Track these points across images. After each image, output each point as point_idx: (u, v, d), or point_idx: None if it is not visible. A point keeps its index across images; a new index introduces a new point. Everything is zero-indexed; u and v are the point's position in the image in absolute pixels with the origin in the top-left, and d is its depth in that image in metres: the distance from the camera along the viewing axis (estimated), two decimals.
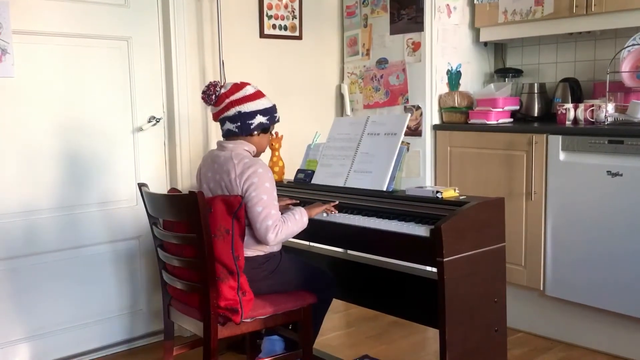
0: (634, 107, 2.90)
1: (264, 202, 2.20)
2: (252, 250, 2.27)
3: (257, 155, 2.39)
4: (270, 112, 2.38)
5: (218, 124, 2.41)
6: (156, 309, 3.22)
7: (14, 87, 2.75)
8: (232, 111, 2.31)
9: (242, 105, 2.31)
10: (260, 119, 2.33)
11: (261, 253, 2.29)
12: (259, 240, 2.25)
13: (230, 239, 2.12)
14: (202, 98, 2.34)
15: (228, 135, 2.36)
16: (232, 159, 2.26)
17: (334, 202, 2.48)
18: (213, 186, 2.31)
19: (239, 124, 2.31)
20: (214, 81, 2.35)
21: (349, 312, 3.53)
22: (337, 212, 2.43)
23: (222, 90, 2.32)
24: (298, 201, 2.56)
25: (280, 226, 2.21)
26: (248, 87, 2.35)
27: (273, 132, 2.83)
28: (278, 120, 2.43)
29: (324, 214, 2.42)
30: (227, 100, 2.31)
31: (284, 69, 3.66)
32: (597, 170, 2.82)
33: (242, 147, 2.32)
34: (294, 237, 2.35)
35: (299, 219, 2.29)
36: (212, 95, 2.31)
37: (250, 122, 2.32)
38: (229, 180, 2.24)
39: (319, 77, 3.84)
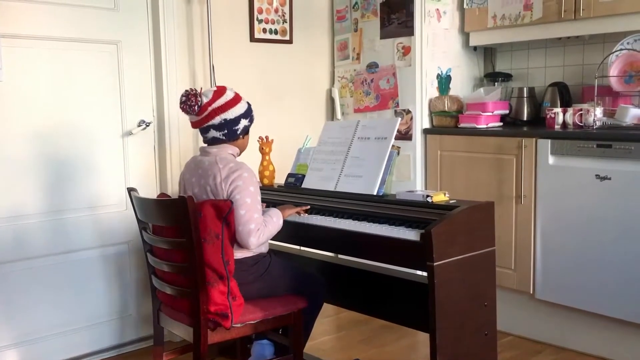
0: (622, 111, 2.92)
1: (248, 205, 2.20)
2: (240, 252, 2.26)
3: (239, 155, 2.41)
4: (250, 113, 2.40)
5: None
6: (146, 314, 3.20)
7: (1, 91, 2.73)
8: (217, 119, 2.30)
9: (226, 112, 2.30)
10: (244, 122, 2.36)
11: (250, 254, 2.29)
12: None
13: (220, 243, 2.12)
14: (182, 108, 2.27)
15: (214, 142, 2.35)
16: (217, 164, 2.26)
17: (306, 206, 2.49)
18: (198, 191, 2.30)
19: (226, 131, 2.32)
20: (192, 89, 2.28)
21: (340, 316, 3.53)
22: (307, 214, 2.47)
23: (204, 99, 2.28)
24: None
25: (262, 230, 2.22)
26: (228, 92, 2.34)
27: (264, 137, 2.86)
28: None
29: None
30: (210, 109, 2.29)
31: (275, 73, 3.65)
32: (586, 174, 2.83)
33: (227, 151, 2.33)
34: (284, 242, 2.35)
35: (276, 221, 2.31)
36: (195, 105, 2.26)
37: (235, 128, 2.33)
38: (214, 185, 2.23)
39: (310, 81, 3.85)
